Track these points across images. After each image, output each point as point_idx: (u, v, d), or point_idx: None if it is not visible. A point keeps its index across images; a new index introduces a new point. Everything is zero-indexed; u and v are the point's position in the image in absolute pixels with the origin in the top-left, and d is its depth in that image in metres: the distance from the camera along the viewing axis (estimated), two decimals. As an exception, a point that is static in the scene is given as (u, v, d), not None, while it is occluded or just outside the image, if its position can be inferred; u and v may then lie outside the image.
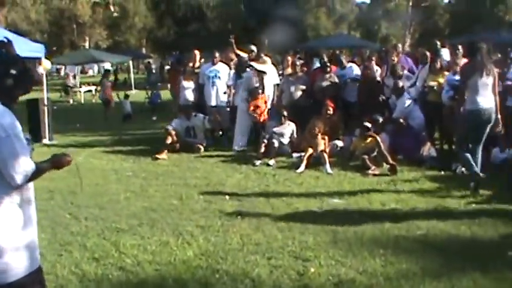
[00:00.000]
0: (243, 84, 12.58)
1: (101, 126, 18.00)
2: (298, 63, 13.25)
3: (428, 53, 12.39)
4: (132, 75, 38.60)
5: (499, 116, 8.58)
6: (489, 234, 6.63)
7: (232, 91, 13.17)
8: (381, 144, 10.30)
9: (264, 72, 12.55)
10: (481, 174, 8.41)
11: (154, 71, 38.62)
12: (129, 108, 20.43)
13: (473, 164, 8.50)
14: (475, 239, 6.45)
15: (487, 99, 8.48)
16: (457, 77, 10.02)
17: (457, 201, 8.09)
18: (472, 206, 7.84)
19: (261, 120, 12.14)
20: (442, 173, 9.90)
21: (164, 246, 6.16)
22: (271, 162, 10.83)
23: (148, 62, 42.45)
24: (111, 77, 30.76)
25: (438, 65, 11.68)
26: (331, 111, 11.79)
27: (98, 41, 52.70)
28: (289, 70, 13.42)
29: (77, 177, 7.43)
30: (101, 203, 8.17)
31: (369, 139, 10.46)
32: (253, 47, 13.68)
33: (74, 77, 37.23)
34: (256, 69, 12.50)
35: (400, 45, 15.52)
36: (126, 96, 20.97)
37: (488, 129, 8.63)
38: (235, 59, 13.65)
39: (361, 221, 7.08)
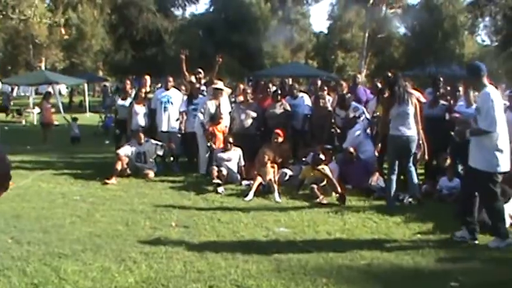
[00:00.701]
0: (200, 109, 12.61)
1: (51, 148, 17.76)
2: (249, 90, 13.31)
3: (379, 84, 12.63)
4: (87, 98, 38.28)
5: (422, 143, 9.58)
6: (432, 264, 6.74)
7: (184, 117, 13.15)
8: (329, 174, 10.39)
9: (221, 89, 12.65)
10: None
11: (110, 95, 38.40)
12: (77, 131, 20.23)
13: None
14: (418, 270, 6.54)
15: (407, 127, 9.36)
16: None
17: (402, 231, 8.21)
18: (416, 237, 7.96)
19: (217, 147, 12.12)
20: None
21: (105, 273, 6.07)
22: (220, 189, 10.81)
23: (104, 85, 42.18)
24: (63, 99, 30.43)
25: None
26: (280, 140, 11.87)
27: (54, 62, 52.19)
28: (241, 98, 13.48)
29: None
30: (45, 227, 8.03)
31: (319, 168, 10.53)
32: (200, 70, 13.80)
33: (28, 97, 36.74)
34: (217, 88, 12.58)
35: (359, 76, 15.76)
36: (75, 119, 20.75)
37: (411, 155, 9.54)
38: (187, 84, 13.72)
39: (305, 250, 7.11)
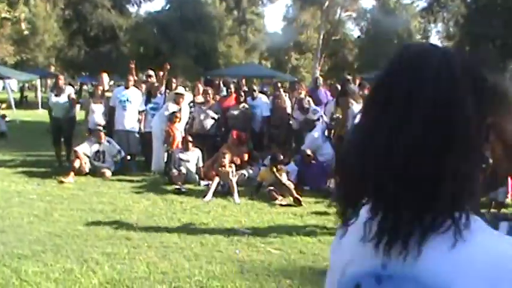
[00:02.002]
0: (160, 109, 12.56)
1: (3, 145, 17.40)
2: (210, 91, 13.30)
3: (339, 86, 12.78)
4: (39, 94, 37.62)
5: None
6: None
7: (143, 117, 13.07)
8: (283, 179, 10.46)
9: (183, 95, 12.62)
10: None
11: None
12: (3, 127, 20.27)
13: None
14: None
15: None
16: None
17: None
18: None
19: (174, 147, 12.07)
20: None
21: (68, 274, 6.00)
22: (183, 189, 10.79)
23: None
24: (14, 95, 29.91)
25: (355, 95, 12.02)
26: (236, 141, 11.89)
27: (4, 56, 51.04)
28: (199, 98, 13.44)
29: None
30: (2, 227, 7.89)
31: (276, 170, 10.57)
32: (151, 72, 13.76)
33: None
34: (177, 93, 12.55)
35: (321, 78, 15.85)
36: (3, 116, 20.87)
37: None
38: (146, 83, 13.65)
39: (268, 251, 7.15)
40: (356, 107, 10.60)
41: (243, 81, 15.93)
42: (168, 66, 13.52)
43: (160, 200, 10.15)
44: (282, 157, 10.81)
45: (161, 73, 13.50)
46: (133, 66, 13.72)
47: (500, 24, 28.82)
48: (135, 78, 13.76)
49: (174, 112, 12.21)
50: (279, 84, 15.77)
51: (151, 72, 13.87)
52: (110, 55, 41.98)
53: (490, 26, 29.27)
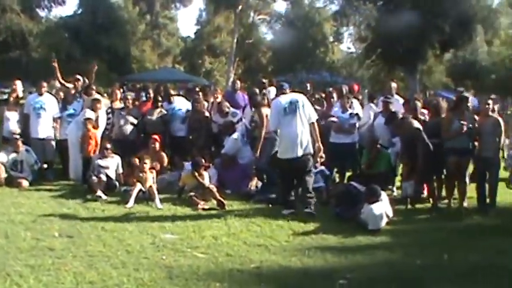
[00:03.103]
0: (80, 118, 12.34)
1: None
2: (129, 96, 13.17)
3: (256, 90, 12.90)
4: None
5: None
6: (319, 264, 7.01)
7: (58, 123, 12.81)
8: (206, 183, 10.50)
9: (99, 100, 12.46)
10: None
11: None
12: None
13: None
14: (307, 270, 6.77)
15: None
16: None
17: (286, 233, 8.44)
18: (301, 238, 8.21)
19: (90, 154, 11.86)
20: (270, 206, 10.24)
21: (-9, 289, 5.84)
22: (104, 196, 10.64)
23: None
24: None
25: (266, 101, 12.14)
26: (157, 146, 11.83)
27: None
28: (117, 103, 13.29)
29: None
30: None
31: (197, 176, 10.58)
32: (79, 77, 13.53)
33: None
34: (95, 99, 12.38)
35: (238, 82, 15.90)
36: None
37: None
38: (62, 90, 13.39)
39: (195, 256, 7.17)
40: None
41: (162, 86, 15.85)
42: (96, 67, 13.37)
43: (82, 208, 9.96)
44: (203, 161, 10.83)
45: (92, 66, 13.37)
46: (56, 65, 13.45)
47: (410, 27, 29.74)
48: (61, 80, 13.48)
49: (88, 118, 12.01)
50: (197, 88, 15.73)
51: (78, 77, 13.58)
52: (20, 61, 40.72)
53: (400, 29, 30.18)
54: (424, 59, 34.63)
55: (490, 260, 7.27)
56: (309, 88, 14.25)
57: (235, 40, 46.40)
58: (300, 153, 9.40)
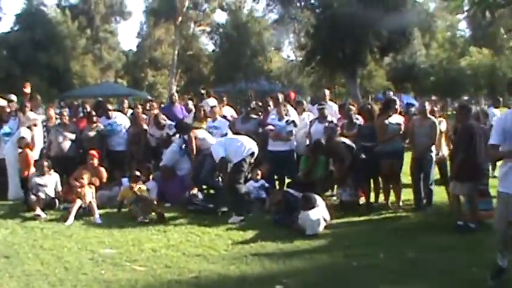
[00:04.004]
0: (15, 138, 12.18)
1: None
2: (65, 113, 13.05)
3: (190, 103, 13.05)
4: None
5: None
6: (257, 271, 7.13)
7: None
8: (142, 194, 10.53)
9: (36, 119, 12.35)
10: None
11: None
12: None
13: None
14: (244, 277, 6.87)
15: None
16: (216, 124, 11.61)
17: (225, 242, 8.53)
18: (239, 246, 8.31)
19: (26, 173, 11.72)
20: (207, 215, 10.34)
21: None
22: (43, 214, 10.52)
23: None
24: None
25: (202, 113, 12.24)
26: (96, 161, 11.78)
27: None
28: (53, 121, 13.16)
29: None
30: None
31: (137, 188, 10.58)
32: (13, 97, 13.35)
33: None
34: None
35: (176, 94, 15.94)
36: None
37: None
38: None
39: (134, 269, 7.20)
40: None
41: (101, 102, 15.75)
42: (28, 87, 13.24)
43: (20, 227, 9.82)
44: (139, 174, 10.86)
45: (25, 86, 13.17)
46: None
47: (348, 33, 30.21)
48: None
49: (21, 138, 11.89)
50: (137, 102, 15.74)
51: (13, 97, 13.40)
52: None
53: (339, 35, 30.61)
54: (363, 63, 35.16)
55: (425, 257, 7.49)
56: (252, 96, 14.39)
57: (176, 52, 46.35)
58: None
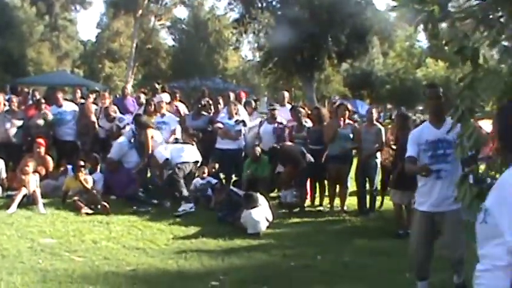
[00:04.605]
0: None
1: None
2: (15, 99, 12.88)
3: (143, 95, 13.04)
4: None
5: None
6: (195, 267, 7.20)
7: None
8: (88, 186, 10.48)
9: None
10: None
11: None
12: None
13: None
14: (182, 272, 6.95)
15: None
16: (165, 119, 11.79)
17: (166, 237, 8.59)
18: (180, 241, 8.37)
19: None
20: (150, 209, 10.39)
21: None
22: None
23: None
24: None
25: (152, 108, 12.24)
26: (43, 149, 11.66)
27: None
28: (1, 107, 12.97)
29: None
30: None
31: (81, 179, 10.54)
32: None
33: None
34: None
35: (128, 87, 15.88)
36: None
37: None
38: None
39: (72, 259, 7.19)
40: None
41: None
42: None
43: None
44: (83, 163, 10.82)
45: None
46: None
47: (307, 37, 30.42)
48: None
49: None
50: (88, 93, 15.60)
51: None
52: None
53: (298, 38, 30.79)
54: (321, 68, 35.40)
55: (360, 260, 7.64)
56: (206, 93, 14.41)
57: (134, 45, 46.03)
58: None
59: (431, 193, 5.81)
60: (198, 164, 11.08)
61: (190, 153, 10.94)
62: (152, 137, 11.25)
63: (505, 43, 4.87)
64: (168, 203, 10.64)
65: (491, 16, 4.72)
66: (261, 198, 9.26)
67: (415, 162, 5.90)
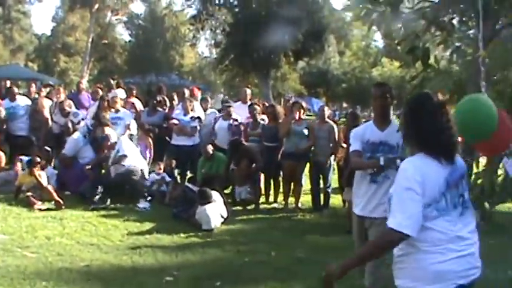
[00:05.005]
0: None
1: None
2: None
3: (100, 91, 12.94)
4: None
5: None
6: (149, 262, 7.20)
7: None
8: (43, 181, 10.38)
9: None
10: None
11: None
12: None
13: None
14: (136, 268, 6.94)
15: None
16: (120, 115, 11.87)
17: (121, 233, 8.55)
18: (135, 237, 8.35)
19: None
20: (106, 206, 10.30)
21: None
22: None
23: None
24: None
25: (106, 103, 12.16)
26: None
27: None
28: None
29: None
30: None
31: (35, 174, 10.42)
32: None
33: None
34: None
35: (83, 82, 15.72)
36: None
37: None
38: None
39: (25, 256, 7.11)
40: None
41: (7, 83, 15.36)
42: None
43: None
44: (39, 159, 10.68)
45: None
46: None
47: (263, 35, 30.56)
48: None
49: None
50: (42, 88, 15.38)
51: None
52: None
53: (255, 35, 30.93)
54: (277, 66, 35.64)
55: (315, 255, 7.72)
56: (163, 89, 14.36)
57: (90, 40, 45.56)
58: None
59: (364, 197, 5.41)
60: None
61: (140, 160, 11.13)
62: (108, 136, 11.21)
63: (457, 44, 5.02)
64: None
65: (443, 18, 4.86)
66: (215, 195, 9.31)
67: (361, 156, 5.44)
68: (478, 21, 4.11)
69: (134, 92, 14.15)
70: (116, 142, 11.18)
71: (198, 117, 11.76)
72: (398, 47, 4.82)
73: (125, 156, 10.76)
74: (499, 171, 4.60)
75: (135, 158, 10.98)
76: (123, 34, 56.42)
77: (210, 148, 11.15)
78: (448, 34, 4.86)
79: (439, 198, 3.11)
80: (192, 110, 11.79)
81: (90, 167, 11.28)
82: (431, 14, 4.84)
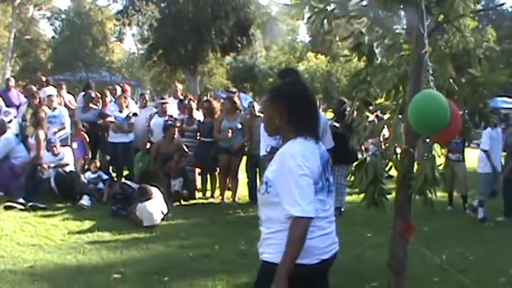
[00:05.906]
0: None
1: None
2: None
3: (34, 88, 12.73)
4: None
5: None
6: (94, 261, 7.19)
7: None
8: None
9: None
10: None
11: None
12: None
13: None
14: (82, 267, 6.91)
15: None
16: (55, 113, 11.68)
17: (62, 232, 8.49)
18: (76, 236, 8.31)
19: None
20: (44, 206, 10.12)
21: None
22: None
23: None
24: None
25: (37, 101, 11.97)
26: None
27: None
28: None
29: None
30: None
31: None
32: None
33: None
34: None
35: (12, 79, 15.34)
36: None
37: None
38: None
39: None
40: None
41: None
42: None
43: None
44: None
45: None
46: None
47: (191, 30, 30.50)
48: None
49: None
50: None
51: None
52: None
53: (182, 31, 30.82)
54: (204, 61, 35.62)
55: (256, 249, 7.84)
56: (92, 86, 14.20)
57: (12, 35, 44.29)
58: None
59: None
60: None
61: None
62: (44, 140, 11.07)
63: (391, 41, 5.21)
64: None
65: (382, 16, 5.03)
66: (155, 191, 9.33)
67: None
68: (422, 19, 4.29)
69: (65, 87, 13.97)
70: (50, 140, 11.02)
71: (135, 113, 11.75)
72: (340, 43, 4.97)
73: (67, 164, 10.73)
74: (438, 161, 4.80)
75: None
76: (45, 30, 55.19)
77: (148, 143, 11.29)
78: (387, 31, 5.04)
79: (318, 179, 3.29)
80: (127, 107, 11.76)
81: (22, 166, 11.02)
82: (371, 11, 5.00)
